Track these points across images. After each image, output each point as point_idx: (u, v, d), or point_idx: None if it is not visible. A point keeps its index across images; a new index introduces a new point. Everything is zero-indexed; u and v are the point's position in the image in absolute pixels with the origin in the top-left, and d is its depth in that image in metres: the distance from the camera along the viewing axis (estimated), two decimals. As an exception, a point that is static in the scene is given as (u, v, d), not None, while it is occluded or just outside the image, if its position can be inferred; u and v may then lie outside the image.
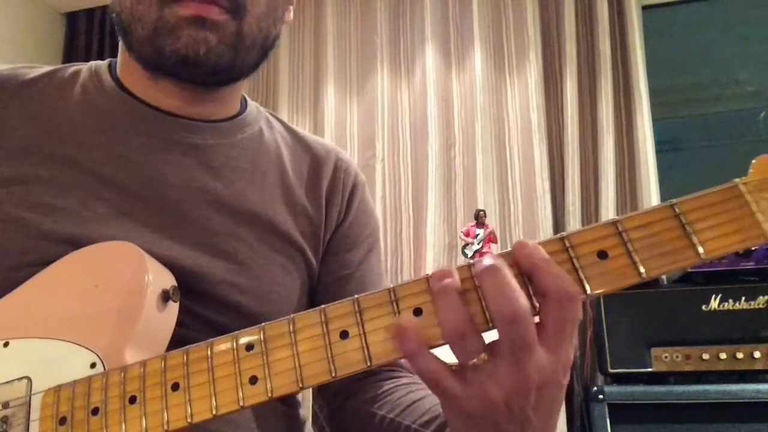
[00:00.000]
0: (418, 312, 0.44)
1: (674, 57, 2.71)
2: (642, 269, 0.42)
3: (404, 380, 0.73)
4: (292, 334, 0.46)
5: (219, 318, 0.65)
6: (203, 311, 0.64)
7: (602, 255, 0.43)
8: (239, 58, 0.67)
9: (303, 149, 0.80)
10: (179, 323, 0.59)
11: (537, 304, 0.42)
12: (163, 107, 0.70)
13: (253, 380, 0.45)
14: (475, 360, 0.43)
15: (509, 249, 0.44)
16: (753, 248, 0.42)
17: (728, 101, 2.67)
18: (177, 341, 0.57)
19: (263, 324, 0.47)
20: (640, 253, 0.42)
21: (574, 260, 0.43)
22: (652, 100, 2.46)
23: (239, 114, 0.77)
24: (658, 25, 2.65)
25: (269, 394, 0.45)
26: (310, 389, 1.59)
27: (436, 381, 0.43)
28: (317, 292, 0.77)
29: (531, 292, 0.42)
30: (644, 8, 2.60)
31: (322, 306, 0.46)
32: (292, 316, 0.46)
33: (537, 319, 0.42)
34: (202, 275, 0.64)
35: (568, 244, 0.43)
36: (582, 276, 0.43)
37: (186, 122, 0.70)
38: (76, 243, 0.60)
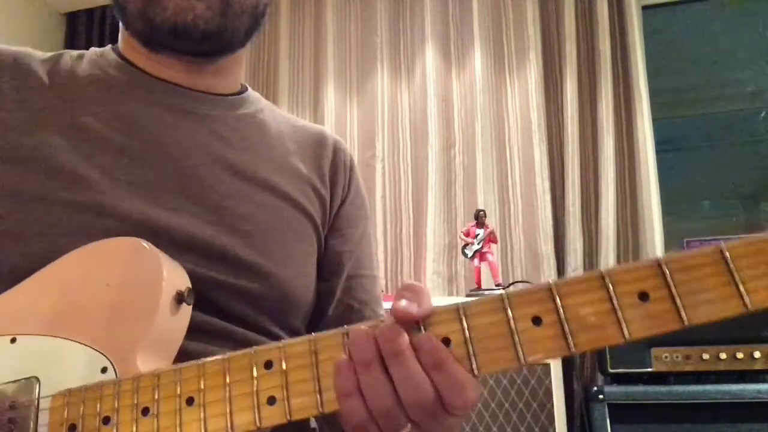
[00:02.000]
0: (446, 342, 0.43)
1: (674, 57, 2.71)
2: (684, 316, 0.40)
3: None
4: (313, 355, 0.44)
5: (244, 283, 0.65)
6: (222, 276, 0.64)
7: (643, 297, 0.40)
8: (229, 24, 0.68)
9: (302, 132, 0.82)
10: (202, 290, 0.59)
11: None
12: (166, 79, 0.71)
13: (272, 401, 0.44)
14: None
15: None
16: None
17: (728, 101, 2.67)
18: (200, 307, 0.58)
19: (283, 342, 0.45)
20: (684, 298, 0.40)
21: (614, 300, 0.40)
22: (652, 100, 2.45)
23: (241, 93, 0.79)
24: (658, 25, 2.65)
25: (288, 416, 0.43)
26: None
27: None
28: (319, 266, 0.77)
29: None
30: (644, 8, 2.59)
31: (345, 327, 0.45)
32: (313, 335, 0.45)
33: None
34: (220, 237, 0.65)
35: (608, 281, 0.41)
36: (620, 317, 0.40)
37: (192, 93, 0.72)
38: (100, 212, 0.61)
